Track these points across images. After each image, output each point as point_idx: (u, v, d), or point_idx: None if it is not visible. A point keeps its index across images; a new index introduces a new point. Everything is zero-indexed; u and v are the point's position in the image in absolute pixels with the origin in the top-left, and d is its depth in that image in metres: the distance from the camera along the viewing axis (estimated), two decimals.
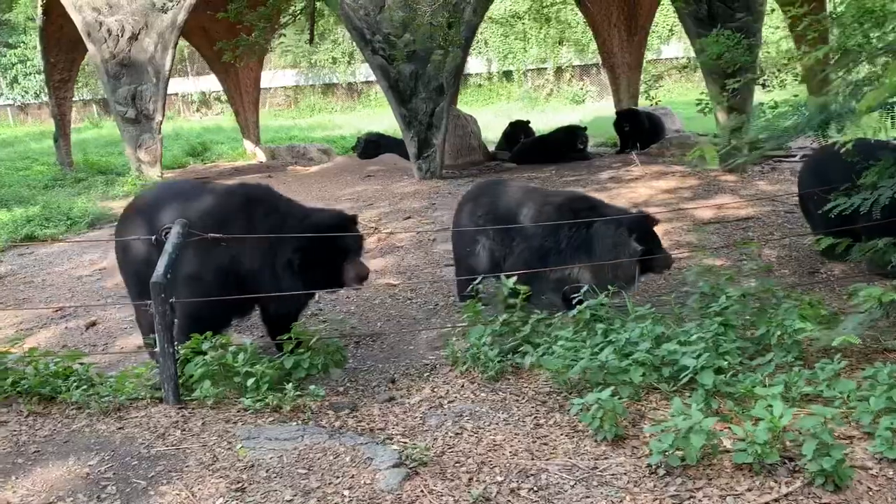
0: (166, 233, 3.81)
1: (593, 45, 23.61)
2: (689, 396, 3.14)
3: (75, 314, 6.26)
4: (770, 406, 2.68)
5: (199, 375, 3.62)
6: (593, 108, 21.75)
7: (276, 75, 23.43)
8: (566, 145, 12.99)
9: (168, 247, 3.63)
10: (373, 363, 4.71)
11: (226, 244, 4.10)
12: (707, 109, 6.05)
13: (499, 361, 3.95)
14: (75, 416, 3.54)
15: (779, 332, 3.46)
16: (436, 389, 3.96)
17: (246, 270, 4.24)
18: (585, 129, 13.22)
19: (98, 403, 3.56)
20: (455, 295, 5.94)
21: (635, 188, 10.12)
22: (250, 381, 3.55)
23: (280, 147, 16.38)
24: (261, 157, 16.15)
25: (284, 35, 11.06)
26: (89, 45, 12.20)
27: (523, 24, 18.93)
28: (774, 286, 4.07)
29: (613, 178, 11.09)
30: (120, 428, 3.40)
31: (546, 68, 24.08)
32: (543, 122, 17.99)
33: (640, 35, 16.13)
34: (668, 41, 22.72)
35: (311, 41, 10.75)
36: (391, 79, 11.97)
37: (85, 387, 3.68)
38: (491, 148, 14.88)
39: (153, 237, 3.88)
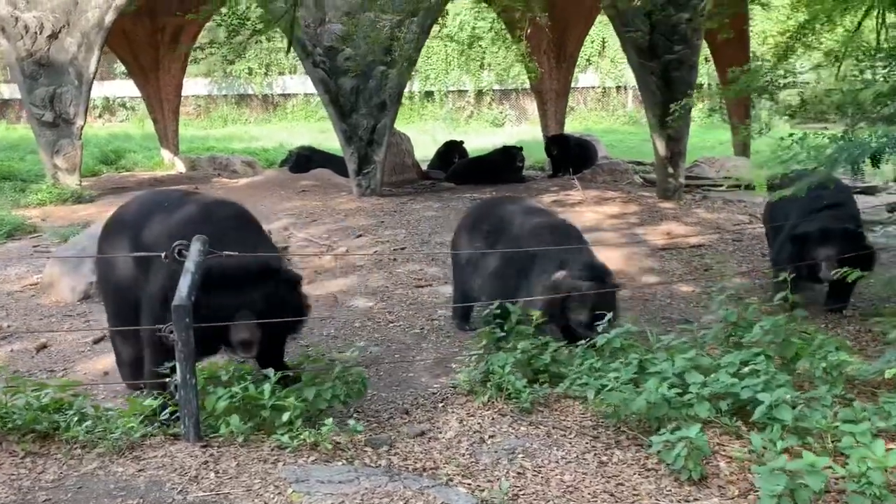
0: (181, 249, 3.45)
1: (513, 71, 24.03)
2: (762, 432, 3.07)
3: (19, 335, 5.67)
4: (865, 444, 2.64)
5: (222, 410, 3.27)
6: (513, 132, 22.02)
7: (187, 84, 22.51)
8: (503, 166, 13.02)
9: (189, 266, 3.28)
10: (374, 392, 4.45)
11: None
12: (752, 134, 6.22)
13: (529, 393, 3.79)
14: (82, 457, 3.13)
15: (823, 365, 3.46)
16: (464, 422, 3.76)
17: None
18: (521, 149, 13.29)
19: (110, 441, 3.15)
20: (454, 319, 5.75)
21: (581, 212, 10.19)
22: (285, 416, 3.23)
23: (201, 158, 15.70)
24: (180, 167, 15.42)
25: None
26: (2, 42, 11.30)
27: (481, 45, 19.01)
28: (801, 317, 4.09)
29: (556, 201, 11.16)
30: (140, 470, 3.02)
31: (466, 91, 24.24)
32: (467, 143, 18.02)
33: (569, 63, 16.46)
34: (586, 70, 23.33)
35: (287, 50, 10.38)
36: (332, 93, 11.68)
37: (89, 422, 3.26)
38: (423, 167, 14.75)
39: (163, 254, 3.49)
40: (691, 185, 12.29)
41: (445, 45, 21.79)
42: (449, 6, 11.91)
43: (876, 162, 4.22)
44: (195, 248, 3.34)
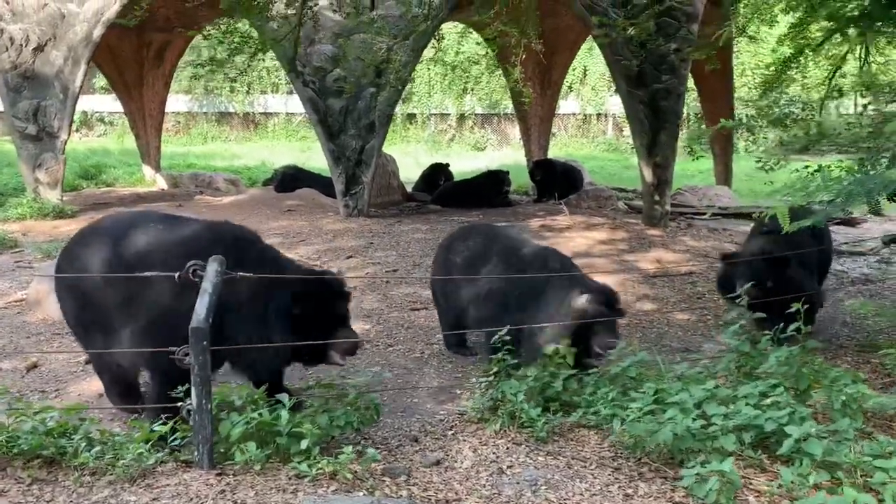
0: (195, 270, 3.36)
1: (495, 96, 24.19)
2: (789, 466, 3.04)
3: (7, 354, 5.49)
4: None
5: (237, 436, 3.17)
6: (495, 157, 22.11)
7: (167, 100, 22.35)
8: (490, 190, 13.05)
9: (207, 286, 3.19)
10: (380, 418, 4.36)
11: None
12: (768, 168, 6.21)
13: (544, 422, 3.74)
14: (93, 485, 3.01)
15: (842, 398, 3.46)
16: (479, 451, 3.69)
17: (230, 319, 3.79)
18: (508, 174, 13.33)
19: (121, 469, 3.04)
20: (449, 347, 5.68)
21: (571, 237, 10.21)
22: (303, 444, 3.14)
23: (183, 175, 15.53)
24: (161, 183, 15.23)
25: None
26: None
27: (463, 69, 19.11)
28: (816, 347, 4.09)
29: (544, 226, 11.17)
30: (154, 499, 2.91)
31: (449, 114, 24.34)
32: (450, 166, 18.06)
33: (553, 90, 16.58)
34: (567, 97, 23.57)
35: (290, 70, 10.35)
36: (320, 113, 11.64)
37: (98, 448, 3.14)
38: (408, 189, 14.72)
39: (177, 274, 3.39)
40: (675, 212, 12.39)
41: (429, 69, 21.89)
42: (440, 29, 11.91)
43: (894, 197, 4.25)
44: (212, 268, 3.25)
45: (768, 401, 3.37)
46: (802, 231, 6.02)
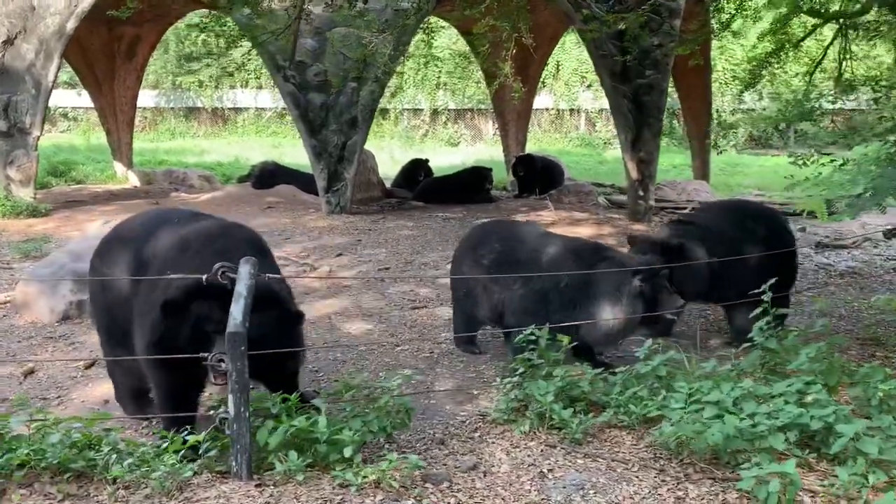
0: (224, 272, 3.22)
1: (468, 91, 24.10)
2: (841, 465, 3.02)
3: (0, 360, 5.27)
4: None
5: (276, 445, 3.05)
6: (469, 152, 22.03)
7: None
8: (473, 186, 12.97)
9: (241, 290, 3.06)
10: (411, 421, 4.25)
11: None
12: (801, 163, 6.10)
13: (578, 423, 3.68)
14: (128, 499, 2.87)
15: (880, 394, 3.45)
16: (512, 454, 3.62)
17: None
18: (491, 170, 13.27)
19: (156, 481, 2.90)
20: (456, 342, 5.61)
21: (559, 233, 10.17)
22: (347, 451, 3.03)
23: (156, 171, 15.17)
24: (134, 180, 14.86)
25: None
26: None
27: (437, 65, 18.98)
28: (842, 341, 4.10)
29: (530, 222, 11.13)
30: None
31: (422, 109, 24.19)
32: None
33: (531, 85, 16.52)
34: (540, 92, 23.59)
35: (291, 59, 10.15)
36: (301, 108, 11.45)
37: (131, 460, 3.00)
38: (387, 184, 14.57)
39: (204, 277, 3.25)
40: (657, 207, 12.45)
41: (403, 63, 21.67)
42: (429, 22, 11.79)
43: None
44: (245, 270, 3.12)
45: (809, 398, 3.35)
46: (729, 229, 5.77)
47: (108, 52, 14.37)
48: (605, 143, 23.66)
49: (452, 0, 10.17)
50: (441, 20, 16.05)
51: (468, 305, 5.39)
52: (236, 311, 2.96)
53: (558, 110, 24.05)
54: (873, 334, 5.97)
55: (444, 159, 19.69)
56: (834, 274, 8.49)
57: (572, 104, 24.11)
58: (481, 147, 22.81)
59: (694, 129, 14.69)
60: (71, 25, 10.86)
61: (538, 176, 13.78)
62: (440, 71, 22.99)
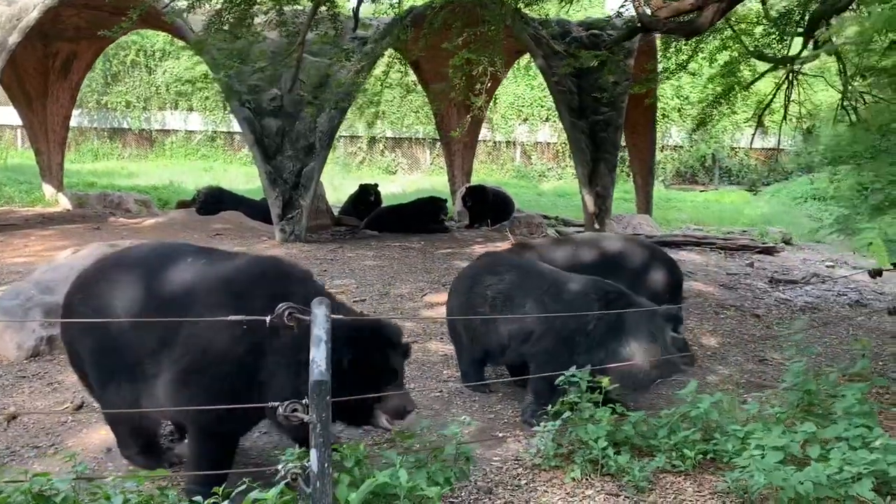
0: (290, 313, 2.99)
1: (407, 120, 24.08)
2: None
3: None
4: None
5: (358, 502, 2.82)
6: (406, 181, 21.95)
7: None
8: (428, 216, 12.87)
9: (321, 334, 2.83)
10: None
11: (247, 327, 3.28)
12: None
13: (640, 469, 3.58)
14: None
15: None
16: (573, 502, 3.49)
17: (268, 365, 3.43)
18: (446, 201, 13.22)
19: None
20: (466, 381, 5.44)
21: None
22: None
23: (90, 194, 14.42)
24: (65, 203, 14.08)
25: None
26: None
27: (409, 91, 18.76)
28: (884, 382, 4.15)
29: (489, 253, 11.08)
30: None
31: (360, 136, 23.98)
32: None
33: (480, 119, 16.63)
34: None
35: (291, 88, 9.88)
36: (256, 133, 11.15)
37: None
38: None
39: (267, 318, 3.01)
40: None
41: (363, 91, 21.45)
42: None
43: None
44: (322, 312, 2.90)
45: (878, 443, 3.35)
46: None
47: (41, 69, 13.66)
48: (540, 175, 24.01)
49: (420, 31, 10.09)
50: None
51: (473, 344, 5.27)
52: (319, 357, 2.74)
53: (495, 142, 24.30)
54: (860, 371, 6.12)
55: (383, 188, 19.54)
56: (795, 309, 8.74)
57: (508, 136, 24.42)
58: (419, 176, 22.78)
59: (638, 164, 15.04)
60: (13, 39, 10.30)
61: (489, 207, 13.81)
62: (379, 100, 22.87)
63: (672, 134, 23.83)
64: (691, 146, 23.26)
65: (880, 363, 6.56)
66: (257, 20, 9.10)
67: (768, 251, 12.79)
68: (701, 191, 22.55)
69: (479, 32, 8.55)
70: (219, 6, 7.91)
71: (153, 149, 24.07)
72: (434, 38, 10.36)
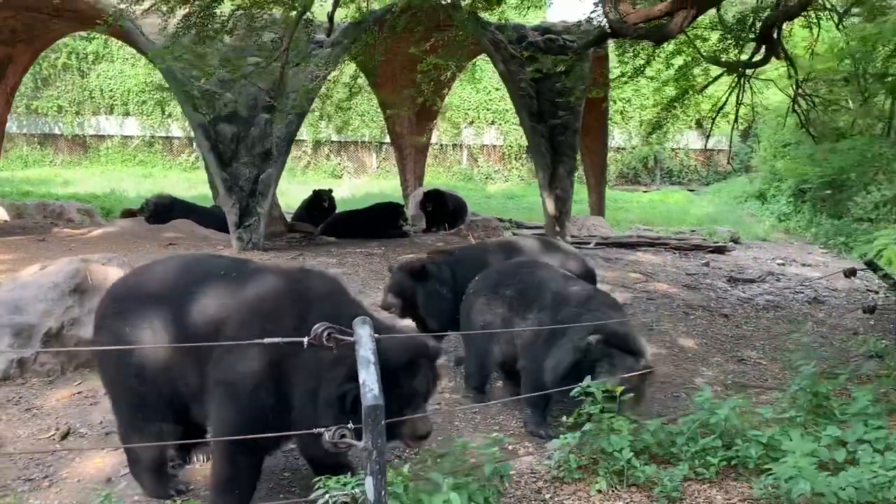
0: (330, 333, 2.86)
1: (353, 124, 23.83)
2: None
3: None
4: None
5: None
6: (352, 185, 21.74)
7: None
8: (386, 222, 12.75)
9: (368, 355, 2.71)
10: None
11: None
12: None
13: (670, 480, 3.57)
14: None
15: None
16: None
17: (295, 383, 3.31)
18: (404, 206, 13.12)
19: None
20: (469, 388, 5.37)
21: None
22: None
23: (29, 204, 13.77)
24: (2, 214, 13.40)
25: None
26: None
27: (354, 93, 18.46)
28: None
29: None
30: None
31: (304, 140, 23.59)
32: (308, 194, 17.37)
33: (430, 120, 16.58)
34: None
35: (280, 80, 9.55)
36: (211, 139, 10.84)
37: None
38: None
39: (305, 339, 2.87)
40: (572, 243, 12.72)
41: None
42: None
43: None
44: (365, 332, 2.78)
45: None
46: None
47: None
48: (486, 177, 24.10)
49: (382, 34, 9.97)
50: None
51: (484, 352, 5.20)
52: (370, 381, 2.62)
53: (441, 145, 24.27)
54: (828, 373, 6.28)
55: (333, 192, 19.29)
56: (759, 308, 8.94)
57: (455, 140, 24.44)
58: (366, 179, 22.58)
59: (591, 166, 15.22)
60: None
61: (447, 211, 13.77)
62: (323, 103, 22.59)
63: (615, 136, 24.23)
64: (633, 148, 23.71)
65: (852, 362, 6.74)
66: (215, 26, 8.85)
67: (720, 250, 13.10)
68: (645, 191, 22.98)
69: (446, 38, 8.50)
70: (186, 10, 7.64)
71: (87, 155, 23.19)
72: (393, 42, 10.28)
